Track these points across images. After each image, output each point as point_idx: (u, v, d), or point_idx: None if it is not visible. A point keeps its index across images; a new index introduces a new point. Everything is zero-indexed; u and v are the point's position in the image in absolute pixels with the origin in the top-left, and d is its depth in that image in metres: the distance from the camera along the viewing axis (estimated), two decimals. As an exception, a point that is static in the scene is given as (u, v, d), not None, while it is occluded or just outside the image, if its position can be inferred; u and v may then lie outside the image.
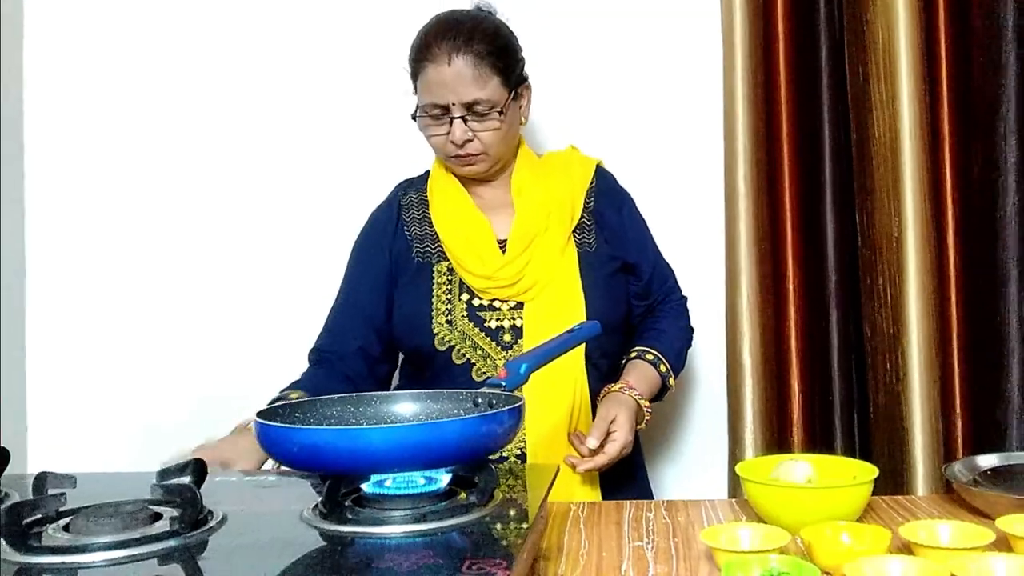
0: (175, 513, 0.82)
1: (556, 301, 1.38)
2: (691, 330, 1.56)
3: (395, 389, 1.50)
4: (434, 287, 1.41)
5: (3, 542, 0.76)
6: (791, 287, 1.74)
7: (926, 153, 1.62)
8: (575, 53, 1.82)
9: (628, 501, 1.21)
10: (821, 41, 1.73)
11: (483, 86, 1.34)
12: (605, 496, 1.35)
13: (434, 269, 1.43)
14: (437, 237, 1.44)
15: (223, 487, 1.01)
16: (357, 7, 1.85)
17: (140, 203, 1.89)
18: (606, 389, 1.38)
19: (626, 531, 1.07)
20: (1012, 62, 1.60)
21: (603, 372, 1.42)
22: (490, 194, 1.47)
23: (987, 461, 1.25)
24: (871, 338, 1.66)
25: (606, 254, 1.45)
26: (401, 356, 1.51)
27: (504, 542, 0.79)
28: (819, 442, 1.72)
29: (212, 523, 0.83)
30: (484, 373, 1.36)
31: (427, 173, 1.53)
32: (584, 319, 1.35)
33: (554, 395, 1.35)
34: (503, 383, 1.02)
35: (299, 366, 1.45)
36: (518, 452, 1.34)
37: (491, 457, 0.92)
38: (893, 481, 1.59)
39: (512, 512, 0.86)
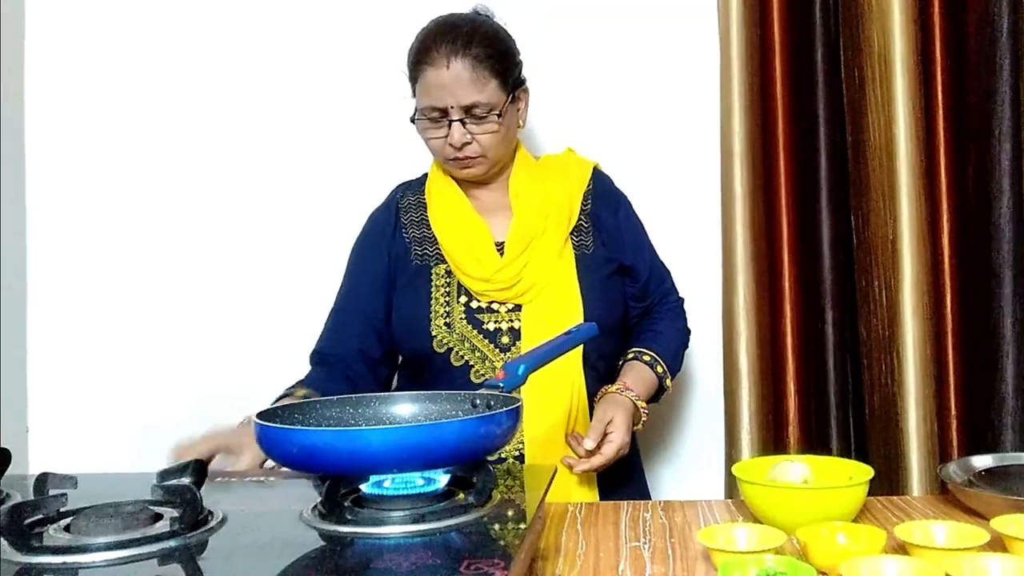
0: (175, 513, 0.82)
1: (554, 303, 1.39)
2: (688, 331, 1.57)
3: (394, 391, 1.51)
4: (432, 289, 1.42)
5: (5, 542, 0.77)
6: (787, 289, 1.75)
7: (921, 156, 1.63)
8: (571, 55, 1.83)
9: (625, 502, 1.21)
10: (816, 45, 1.74)
11: (481, 89, 1.35)
12: (603, 497, 1.35)
13: (432, 271, 1.43)
14: (435, 239, 1.45)
15: (223, 488, 1.01)
16: (356, 11, 1.86)
17: (140, 205, 1.90)
18: (603, 390, 1.38)
19: (623, 531, 1.08)
20: (1006, 66, 1.61)
21: (600, 373, 1.43)
22: (488, 197, 1.48)
23: (982, 462, 1.25)
24: (866, 339, 1.67)
25: (603, 256, 1.46)
26: (400, 358, 1.51)
27: (502, 542, 0.80)
28: (815, 443, 1.72)
29: (212, 523, 0.83)
30: (482, 375, 1.37)
31: (425, 176, 1.53)
32: (581, 321, 1.36)
33: (552, 396, 1.36)
34: (501, 384, 1.03)
35: (299, 366, 1.45)
36: (516, 453, 1.35)
37: (489, 458, 0.92)
38: (888, 482, 1.60)
39: (510, 512, 0.87)
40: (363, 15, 1.86)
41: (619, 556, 0.99)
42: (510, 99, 1.39)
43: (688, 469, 1.85)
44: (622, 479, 1.40)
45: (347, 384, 1.39)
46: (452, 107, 1.35)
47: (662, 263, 1.55)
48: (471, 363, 1.38)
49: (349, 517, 0.84)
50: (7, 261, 1.83)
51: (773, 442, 1.71)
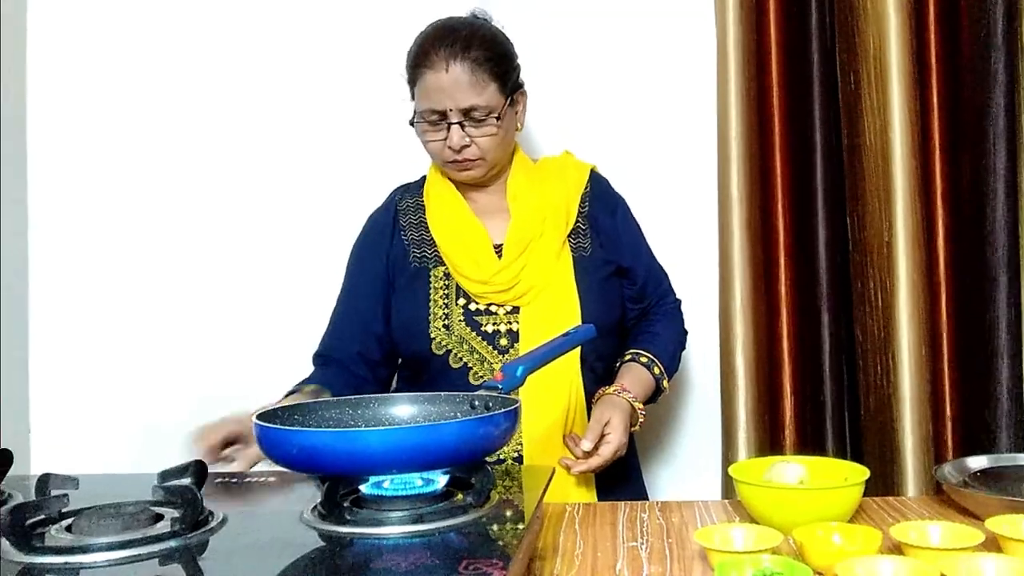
0: (176, 514, 0.83)
1: (552, 305, 1.39)
2: (685, 333, 1.57)
3: (393, 392, 1.51)
4: (431, 292, 1.42)
5: (6, 543, 0.77)
6: (783, 291, 1.75)
7: (916, 159, 1.64)
8: (567, 58, 1.83)
9: (623, 502, 1.22)
10: (812, 48, 1.75)
11: (480, 92, 1.35)
12: (601, 497, 1.36)
13: (431, 274, 1.44)
14: (434, 242, 1.45)
15: (223, 488, 1.02)
16: (355, 14, 1.87)
17: (141, 206, 1.90)
18: (600, 392, 1.39)
19: (621, 532, 1.08)
20: (1001, 69, 1.61)
21: (598, 375, 1.44)
22: (486, 199, 1.48)
23: (977, 463, 1.26)
24: (862, 341, 1.68)
25: (601, 258, 1.47)
26: (399, 360, 1.52)
27: (500, 542, 0.80)
28: (811, 444, 1.73)
29: (212, 524, 0.84)
30: (481, 377, 1.37)
31: (423, 178, 1.54)
32: (579, 323, 1.36)
33: (550, 397, 1.36)
34: (500, 386, 1.03)
35: (299, 366, 1.46)
36: (515, 454, 1.35)
37: (488, 459, 0.93)
38: (884, 482, 1.61)
39: (508, 513, 0.87)
40: (362, 18, 1.86)
41: (617, 556, 0.99)
42: (508, 102, 1.40)
43: (685, 470, 1.86)
44: (620, 480, 1.41)
45: (350, 384, 1.39)
46: (451, 110, 1.36)
47: (659, 265, 1.56)
48: (469, 365, 1.39)
49: (348, 517, 0.85)
50: (8, 262, 1.83)
51: (769, 443, 1.72)
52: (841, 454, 1.72)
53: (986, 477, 1.21)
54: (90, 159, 1.91)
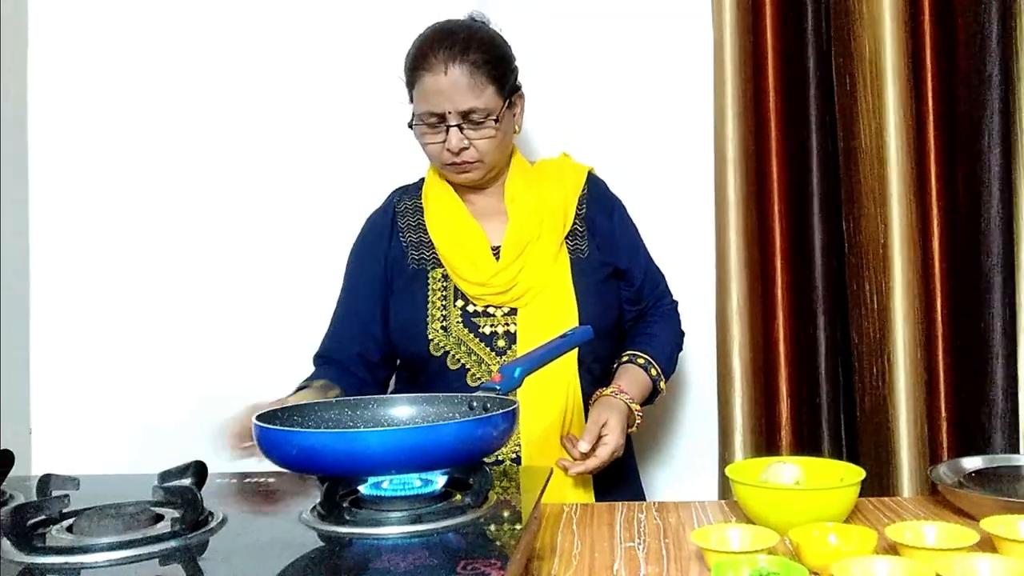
0: (176, 514, 0.83)
1: (549, 307, 1.40)
2: (682, 335, 1.58)
3: (391, 393, 1.52)
4: (429, 293, 1.43)
5: (7, 543, 0.78)
6: (780, 293, 1.76)
7: (912, 162, 1.65)
8: (565, 60, 1.83)
9: (620, 503, 1.23)
10: (809, 51, 1.75)
11: (479, 95, 1.36)
12: (598, 498, 1.36)
13: (429, 275, 1.44)
14: (432, 244, 1.46)
15: (223, 489, 1.02)
16: (354, 17, 1.87)
17: (142, 206, 1.90)
18: (598, 393, 1.39)
19: (618, 532, 1.09)
20: (996, 72, 1.62)
21: (596, 376, 1.44)
22: (484, 201, 1.49)
23: (972, 463, 1.27)
24: (858, 343, 1.69)
25: (598, 260, 1.47)
26: (398, 361, 1.52)
27: (499, 543, 0.81)
28: (807, 445, 1.73)
29: (212, 524, 0.84)
30: (479, 378, 1.37)
31: (422, 180, 1.54)
32: (577, 324, 1.37)
33: (547, 399, 1.36)
34: (498, 387, 1.04)
35: (298, 366, 1.46)
36: (513, 456, 1.36)
37: (487, 460, 0.93)
38: (879, 483, 1.61)
39: (506, 513, 0.88)
40: (361, 21, 1.87)
41: (614, 556, 1.00)
42: (506, 104, 1.40)
43: (682, 471, 1.86)
44: (617, 481, 1.41)
45: (352, 383, 1.40)
46: (449, 112, 1.36)
47: (657, 267, 1.56)
48: (467, 366, 1.39)
49: (348, 518, 0.85)
50: (9, 262, 1.84)
51: (766, 444, 1.72)
52: (837, 455, 1.73)
53: (981, 478, 1.22)
54: (91, 159, 1.91)
